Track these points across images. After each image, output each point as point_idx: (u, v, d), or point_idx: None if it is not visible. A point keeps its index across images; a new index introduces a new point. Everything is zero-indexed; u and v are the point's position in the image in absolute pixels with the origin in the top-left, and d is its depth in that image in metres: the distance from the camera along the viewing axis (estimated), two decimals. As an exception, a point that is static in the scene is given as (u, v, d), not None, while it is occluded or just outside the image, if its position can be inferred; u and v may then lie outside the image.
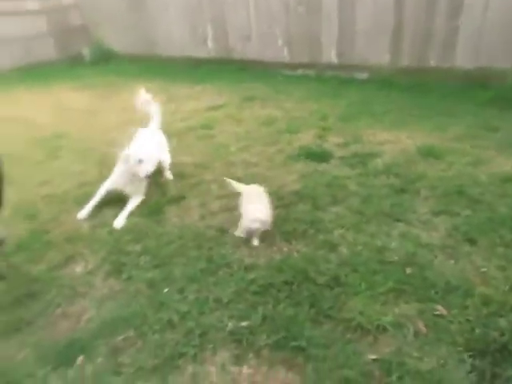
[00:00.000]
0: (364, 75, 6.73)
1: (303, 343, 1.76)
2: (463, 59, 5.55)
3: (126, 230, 2.72)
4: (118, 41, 9.05)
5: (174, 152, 3.75)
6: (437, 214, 2.70)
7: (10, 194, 3.21)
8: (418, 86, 5.73)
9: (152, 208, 2.97)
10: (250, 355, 1.76)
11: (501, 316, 1.81)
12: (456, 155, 3.55)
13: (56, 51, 9.15)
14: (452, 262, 2.24)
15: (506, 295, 1.92)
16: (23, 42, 8.55)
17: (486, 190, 2.90)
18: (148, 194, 3.19)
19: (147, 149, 3.00)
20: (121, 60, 8.84)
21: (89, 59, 9.07)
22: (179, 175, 3.47)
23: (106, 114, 5.52)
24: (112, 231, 2.72)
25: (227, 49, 8.03)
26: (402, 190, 3.03)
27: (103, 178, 3.52)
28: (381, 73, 6.42)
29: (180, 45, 8.48)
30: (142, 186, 3.09)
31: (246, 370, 1.70)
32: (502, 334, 1.70)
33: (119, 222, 2.80)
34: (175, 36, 8.47)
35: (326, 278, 2.14)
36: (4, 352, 1.82)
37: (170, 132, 4.03)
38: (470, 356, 1.65)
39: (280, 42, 7.43)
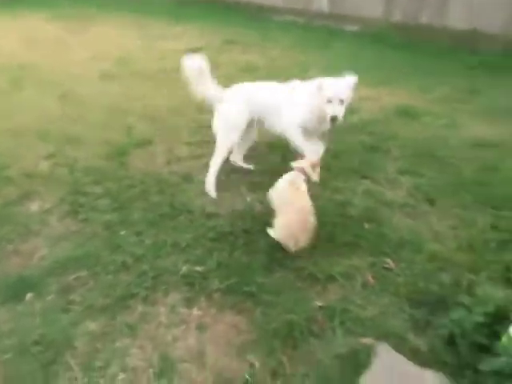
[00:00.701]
0: (355, 27, 6.44)
1: (254, 289, 1.80)
2: (456, 19, 5.35)
3: (87, 170, 2.63)
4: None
5: (146, 94, 3.60)
6: (403, 173, 2.71)
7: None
8: (409, 43, 5.55)
9: (116, 150, 2.87)
10: (202, 298, 1.79)
11: (444, 271, 1.88)
12: (432, 117, 3.52)
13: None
14: (409, 220, 2.28)
15: (452, 253, 1.99)
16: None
17: (454, 154, 2.90)
18: (113, 135, 3.08)
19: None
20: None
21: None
22: (149, 118, 3.34)
23: (76, 48, 5.19)
24: (73, 171, 2.63)
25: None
26: (373, 148, 3.01)
27: (65, 115, 3.37)
28: (373, 26, 6.15)
29: (163, -22, 7.89)
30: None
31: (195, 311, 1.73)
32: (442, 288, 1.77)
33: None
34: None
35: (285, 229, 2.15)
36: (-50, 285, 1.79)
37: (143, 73, 3.84)
38: (410, 306, 1.73)
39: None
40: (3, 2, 7.43)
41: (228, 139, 2.47)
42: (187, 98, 3.74)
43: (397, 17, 5.96)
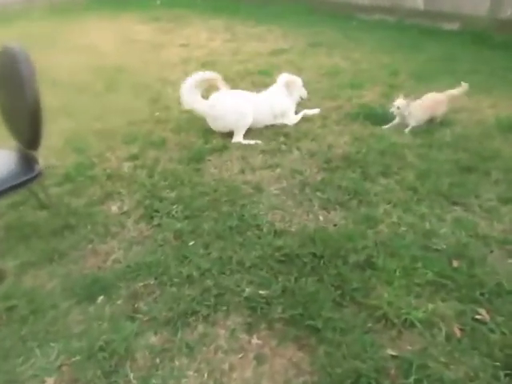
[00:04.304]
0: (453, 26, 5.85)
1: (319, 324, 1.66)
2: None
3: (164, 174, 2.70)
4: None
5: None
6: (505, 201, 2.34)
7: (65, 125, 3.36)
8: (519, 44, 4.89)
9: (193, 155, 2.91)
10: (262, 325, 1.70)
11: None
12: (547, 134, 3.01)
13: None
14: (510, 261, 1.94)
15: None
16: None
17: None
18: (191, 139, 3.14)
19: None
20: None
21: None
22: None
23: (167, 50, 5.45)
24: (152, 174, 2.72)
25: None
26: (468, 169, 2.65)
27: (152, 118, 3.53)
28: (475, 24, 5.52)
29: (251, -21, 7.97)
30: None
31: (255, 340, 1.65)
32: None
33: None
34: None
35: (358, 258, 1.97)
36: (35, 280, 1.93)
37: (226, 75, 3.86)
38: (507, 375, 1.45)
39: (360, -19, 6.64)
40: (98, 4, 8.11)
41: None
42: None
43: (506, 13, 5.26)
